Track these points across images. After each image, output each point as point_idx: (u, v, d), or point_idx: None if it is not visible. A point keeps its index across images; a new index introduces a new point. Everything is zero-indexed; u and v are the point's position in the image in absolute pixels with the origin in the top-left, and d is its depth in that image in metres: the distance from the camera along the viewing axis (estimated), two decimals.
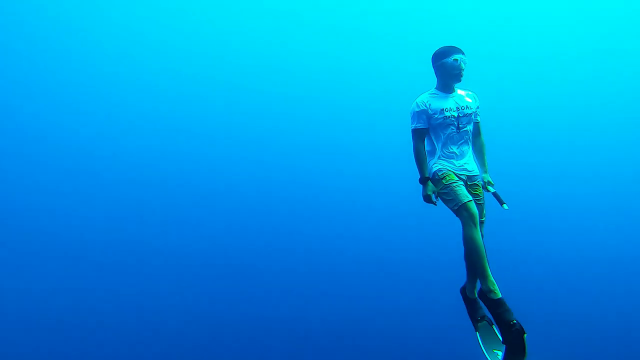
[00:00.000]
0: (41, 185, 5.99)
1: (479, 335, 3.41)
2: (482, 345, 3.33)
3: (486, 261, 3.07)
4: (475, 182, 3.41)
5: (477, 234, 3.08)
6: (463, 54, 3.34)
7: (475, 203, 3.26)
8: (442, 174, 3.31)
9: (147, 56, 6.61)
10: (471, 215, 3.09)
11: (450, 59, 3.31)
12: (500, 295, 2.96)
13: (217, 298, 5.93)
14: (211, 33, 6.79)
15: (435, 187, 3.34)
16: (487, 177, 3.54)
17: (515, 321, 2.86)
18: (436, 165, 3.39)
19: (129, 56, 6.56)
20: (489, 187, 3.47)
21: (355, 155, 6.59)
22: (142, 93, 6.56)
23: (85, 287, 5.74)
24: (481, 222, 3.33)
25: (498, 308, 2.95)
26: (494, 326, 3.28)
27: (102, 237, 5.98)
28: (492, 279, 3.04)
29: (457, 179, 3.27)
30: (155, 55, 6.63)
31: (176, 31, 6.70)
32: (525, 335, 2.82)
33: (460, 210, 3.13)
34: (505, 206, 3.29)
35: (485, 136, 3.59)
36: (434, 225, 4.36)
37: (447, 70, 3.34)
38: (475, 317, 3.47)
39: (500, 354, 3.03)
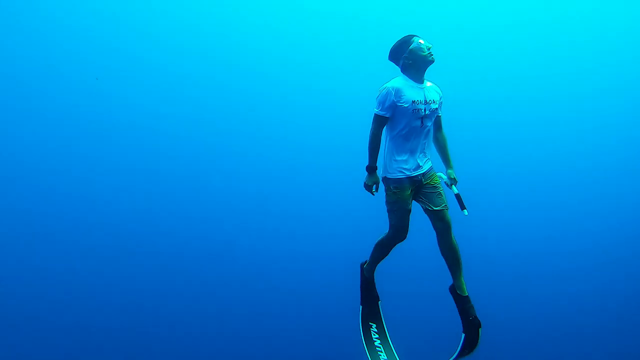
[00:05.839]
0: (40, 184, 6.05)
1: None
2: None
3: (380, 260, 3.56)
4: (430, 175, 3.33)
5: (391, 247, 3.43)
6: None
7: (432, 194, 3.29)
8: (396, 187, 3.23)
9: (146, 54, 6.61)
10: (399, 237, 3.34)
11: (415, 42, 3.14)
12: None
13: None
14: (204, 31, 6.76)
15: (377, 179, 3.30)
16: (452, 174, 3.43)
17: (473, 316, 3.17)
18: (395, 170, 3.23)
19: (127, 53, 6.56)
20: (453, 188, 3.36)
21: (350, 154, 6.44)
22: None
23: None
24: (444, 209, 3.26)
25: (464, 303, 3.22)
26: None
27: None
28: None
29: (406, 205, 3.24)
30: (153, 53, 6.62)
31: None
32: (480, 328, 3.14)
33: (393, 228, 3.31)
34: (465, 212, 3.19)
35: (445, 129, 3.49)
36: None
37: (417, 54, 3.11)
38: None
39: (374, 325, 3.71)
